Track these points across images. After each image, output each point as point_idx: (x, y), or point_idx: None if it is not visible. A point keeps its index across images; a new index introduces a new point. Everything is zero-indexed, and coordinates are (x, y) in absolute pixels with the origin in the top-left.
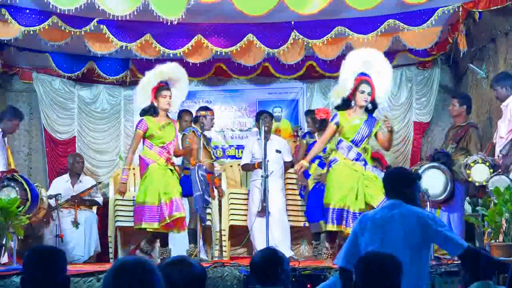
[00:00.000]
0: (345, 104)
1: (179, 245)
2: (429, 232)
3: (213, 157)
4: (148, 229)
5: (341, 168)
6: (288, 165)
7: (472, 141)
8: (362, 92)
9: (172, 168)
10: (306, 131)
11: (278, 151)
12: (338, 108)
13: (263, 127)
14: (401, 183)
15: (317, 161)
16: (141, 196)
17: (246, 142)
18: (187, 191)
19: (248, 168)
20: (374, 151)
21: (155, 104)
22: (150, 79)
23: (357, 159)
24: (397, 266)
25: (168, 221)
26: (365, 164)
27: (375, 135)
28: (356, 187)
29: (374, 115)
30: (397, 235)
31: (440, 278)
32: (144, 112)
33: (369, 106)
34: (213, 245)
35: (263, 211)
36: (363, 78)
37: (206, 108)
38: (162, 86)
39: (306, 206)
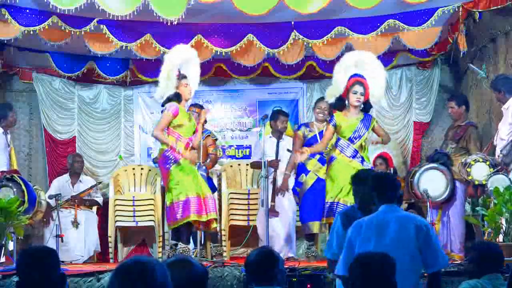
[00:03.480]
0: (340, 104)
1: None
2: (421, 241)
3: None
4: (194, 221)
5: (337, 166)
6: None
7: (472, 140)
8: (355, 92)
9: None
10: (301, 123)
11: (290, 151)
12: (334, 107)
13: (263, 126)
14: (392, 188)
15: (317, 156)
16: (183, 191)
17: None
18: None
19: (257, 166)
20: (383, 151)
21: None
22: (173, 63)
23: (354, 156)
24: (393, 265)
25: (207, 218)
26: (362, 161)
27: (373, 130)
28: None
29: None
30: (392, 239)
31: None
32: (169, 100)
33: (361, 106)
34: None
35: (271, 211)
36: (356, 79)
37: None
38: (181, 75)
39: (300, 206)
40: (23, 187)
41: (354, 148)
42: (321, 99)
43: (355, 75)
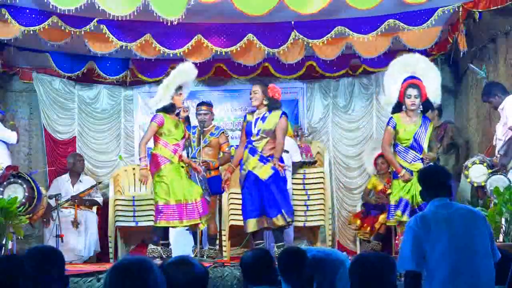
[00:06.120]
0: (398, 108)
1: (180, 244)
2: (489, 230)
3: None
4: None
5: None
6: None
7: (453, 132)
8: (409, 96)
9: (184, 165)
10: (251, 109)
11: (286, 151)
12: (393, 112)
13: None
14: (445, 180)
15: (258, 155)
16: (164, 196)
17: None
18: (215, 190)
19: None
20: None
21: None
22: (175, 78)
23: (414, 161)
24: (393, 266)
25: (186, 224)
26: (423, 161)
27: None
28: (410, 184)
29: None
30: (464, 233)
31: None
32: (164, 109)
33: (419, 108)
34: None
35: None
36: (409, 82)
37: (200, 104)
38: (181, 86)
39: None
40: (32, 183)
41: (414, 153)
42: (256, 82)
43: (408, 77)
